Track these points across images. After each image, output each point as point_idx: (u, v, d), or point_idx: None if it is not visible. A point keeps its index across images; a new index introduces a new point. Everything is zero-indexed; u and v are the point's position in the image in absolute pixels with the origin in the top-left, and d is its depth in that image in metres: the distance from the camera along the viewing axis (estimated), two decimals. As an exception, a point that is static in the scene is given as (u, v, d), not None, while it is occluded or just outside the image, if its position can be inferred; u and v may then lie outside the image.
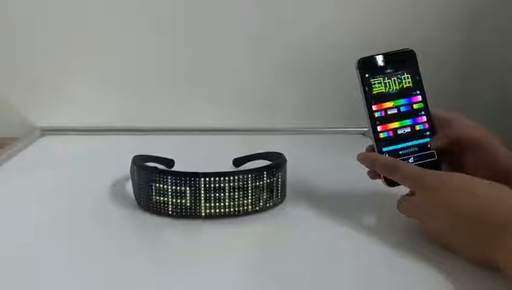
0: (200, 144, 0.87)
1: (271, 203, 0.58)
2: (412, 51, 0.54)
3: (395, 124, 0.54)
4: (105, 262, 0.48)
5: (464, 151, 0.52)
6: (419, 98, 0.54)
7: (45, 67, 0.89)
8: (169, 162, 0.69)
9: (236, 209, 0.55)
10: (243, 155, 0.70)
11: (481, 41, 0.92)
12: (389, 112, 0.54)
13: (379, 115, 0.54)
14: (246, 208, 0.56)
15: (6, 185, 0.67)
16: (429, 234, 0.51)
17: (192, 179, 0.54)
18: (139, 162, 0.59)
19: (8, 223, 0.55)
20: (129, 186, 0.62)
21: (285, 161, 0.61)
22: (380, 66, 0.54)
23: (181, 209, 0.55)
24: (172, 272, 0.46)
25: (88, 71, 0.90)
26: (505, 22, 0.90)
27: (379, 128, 0.54)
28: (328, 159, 0.79)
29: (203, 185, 0.54)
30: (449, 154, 0.54)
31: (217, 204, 0.55)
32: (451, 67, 0.93)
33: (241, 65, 0.92)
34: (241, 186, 0.55)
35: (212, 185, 0.54)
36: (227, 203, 0.55)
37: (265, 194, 0.57)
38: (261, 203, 0.57)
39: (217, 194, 0.55)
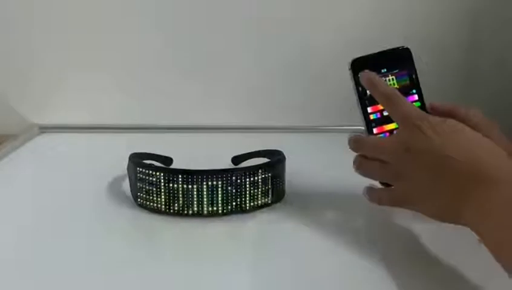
0: (200, 142, 0.86)
1: (269, 201, 0.58)
2: (407, 48, 0.53)
3: (392, 126, 0.53)
4: (104, 259, 0.47)
5: None
6: (415, 97, 0.53)
7: (43, 64, 0.88)
8: (167, 160, 0.69)
9: (234, 207, 0.55)
10: (242, 153, 0.70)
11: (481, 41, 0.92)
12: (385, 113, 0.52)
13: (375, 117, 0.53)
14: (243, 206, 0.56)
15: (3, 182, 0.67)
16: (404, 198, 0.49)
17: (190, 176, 0.54)
18: (136, 159, 0.59)
19: (6, 221, 0.55)
20: (126, 184, 0.61)
21: (284, 158, 0.60)
22: (375, 66, 0.52)
23: (178, 207, 0.55)
24: (171, 270, 0.46)
25: (86, 69, 0.89)
26: (506, 22, 0.90)
27: (375, 130, 0.53)
28: (330, 157, 0.79)
29: (200, 183, 0.54)
30: None
31: (214, 202, 0.54)
32: (452, 67, 0.93)
33: (241, 63, 0.91)
34: (239, 184, 0.55)
35: (210, 183, 0.54)
36: (225, 201, 0.55)
37: (263, 192, 0.56)
38: (259, 202, 0.56)
39: (214, 192, 0.54)
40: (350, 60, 0.53)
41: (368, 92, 0.52)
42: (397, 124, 0.50)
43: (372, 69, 0.52)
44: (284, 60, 0.91)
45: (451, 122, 0.46)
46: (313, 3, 0.89)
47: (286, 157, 0.61)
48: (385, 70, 0.53)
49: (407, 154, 0.46)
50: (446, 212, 0.45)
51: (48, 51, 0.88)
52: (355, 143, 0.52)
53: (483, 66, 0.93)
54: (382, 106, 0.51)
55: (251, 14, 0.89)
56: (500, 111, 0.89)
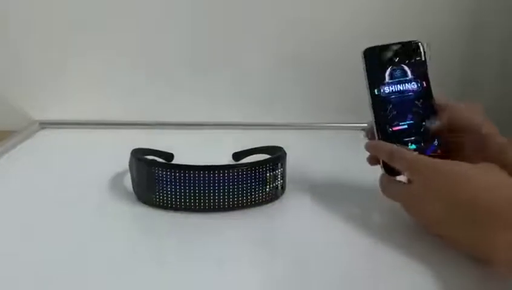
0: (201, 138, 0.86)
1: (270, 197, 0.58)
2: (418, 42, 0.55)
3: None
4: (105, 255, 0.47)
5: (461, 133, 0.52)
6: (424, 89, 0.54)
7: (44, 60, 0.88)
8: (168, 156, 0.69)
9: (235, 203, 0.55)
10: (243, 149, 0.70)
11: (483, 40, 0.92)
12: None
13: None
14: (244, 201, 0.56)
15: (3, 178, 0.67)
16: (420, 222, 0.50)
17: (190, 172, 0.54)
18: (138, 155, 0.59)
19: (6, 218, 0.55)
20: (128, 179, 0.62)
21: (284, 154, 0.60)
22: (387, 56, 0.54)
23: (178, 203, 0.55)
24: (172, 266, 0.46)
25: (87, 65, 0.89)
26: (507, 21, 0.90)
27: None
28: (330, 153, 0.79)
29: (201, 179, 0.54)
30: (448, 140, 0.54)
31: (215, 198, 0.55)
32: (453, 66, 0.93)
33: (242, 61, 0.91)
34: (239, 179, 0.55)
35: (210, 179, 0.54)
36: (225, 197, 0.55)
37: (264, 187, 0.57)
38: (260, 197, 0.57)
39: (215, 188, 0.54)
40: (363, 49, 0.54)
41: (379, 84, 0.53)
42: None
43: (384, 59, 0.54)
44: (285, 57, 0.91)
45: (453, 162, 0.47)
46: (314, 1, 0.89)
47: (287, 153, 0.61)
48: (397, 60, 0.54)
49: (425, 200, 0.48)
50: (469, 250, 0.45)
51: (49, 47, 0.88)
52: (391, 155, 0.52)
53: (484, 66, 0.93)
54: (388, 162, 0.52)
55: (251, 12, 0.89)
56: (501, 111, 0.89)
